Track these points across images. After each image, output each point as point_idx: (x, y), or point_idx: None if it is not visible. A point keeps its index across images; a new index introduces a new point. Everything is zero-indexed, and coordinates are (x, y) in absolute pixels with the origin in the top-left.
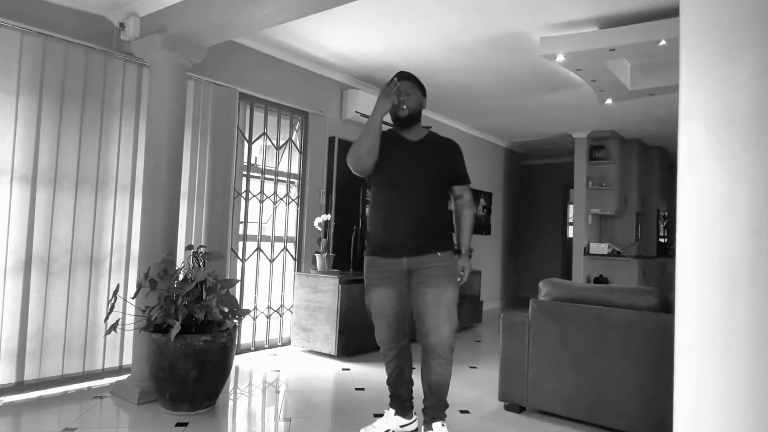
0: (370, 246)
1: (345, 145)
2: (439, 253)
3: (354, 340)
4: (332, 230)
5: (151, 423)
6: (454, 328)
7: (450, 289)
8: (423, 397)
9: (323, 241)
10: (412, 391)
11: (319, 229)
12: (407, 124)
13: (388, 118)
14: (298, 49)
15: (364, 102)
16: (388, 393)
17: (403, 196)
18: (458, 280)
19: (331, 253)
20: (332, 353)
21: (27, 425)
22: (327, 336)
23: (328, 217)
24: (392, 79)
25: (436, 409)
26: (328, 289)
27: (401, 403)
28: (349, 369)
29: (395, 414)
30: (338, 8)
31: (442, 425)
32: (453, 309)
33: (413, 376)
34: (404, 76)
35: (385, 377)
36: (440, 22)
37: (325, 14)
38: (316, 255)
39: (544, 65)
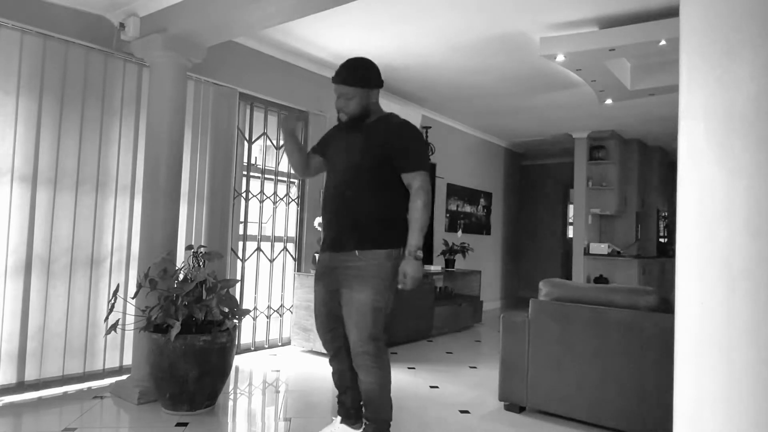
0: None
1: None
2: (357, 252)
3: None
4: None
5: (151, 423)
6: (368, 335)
7: (364, 291)
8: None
9: None
10: (358, 400)
11: (319, 229)
12: (356, 123)
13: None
14: (298, 49)
15: None
16: None
17: (336, 184)
18: (399, 286)
19: None
20: None
21: (27, 425)
22: None
23: None
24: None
25: (370, 424)
26: None
27: (345, 411)
28: None
29: (341, 422)
30: (338, 8)
31: None
32: (366, 313)
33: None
34: (337, 79)
35: None
36: (440, 23)
37: (325, 14)
38: (316, 255)
39: (544, 65)
